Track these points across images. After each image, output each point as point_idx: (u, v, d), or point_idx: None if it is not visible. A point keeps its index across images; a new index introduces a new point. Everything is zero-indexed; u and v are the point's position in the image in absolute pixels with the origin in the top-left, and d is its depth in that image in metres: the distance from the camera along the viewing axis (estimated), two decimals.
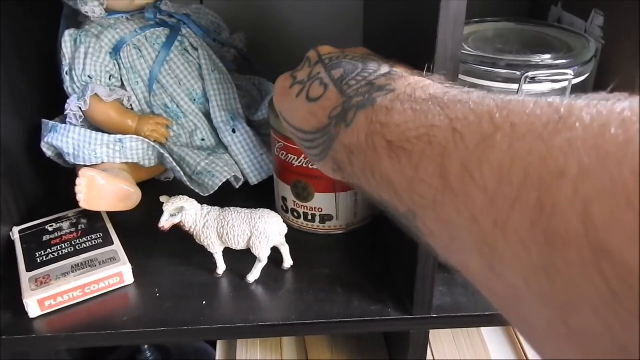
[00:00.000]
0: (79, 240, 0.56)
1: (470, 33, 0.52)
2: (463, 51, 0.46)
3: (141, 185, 0.62)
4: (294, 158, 0.55)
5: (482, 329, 0.70)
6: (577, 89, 0.47)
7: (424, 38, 0.42)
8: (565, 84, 0.45)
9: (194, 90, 0.67)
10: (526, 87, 0.44)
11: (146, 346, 0.81)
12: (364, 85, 0.33)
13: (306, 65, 0.40)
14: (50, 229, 0.58)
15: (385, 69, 0.34)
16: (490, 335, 0.69)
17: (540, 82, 0.44)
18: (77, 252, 0.54)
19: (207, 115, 0.67)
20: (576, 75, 0.45)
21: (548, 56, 0.46)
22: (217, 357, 0.68)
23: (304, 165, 0.55)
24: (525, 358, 0.66)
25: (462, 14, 0.39)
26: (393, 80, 0.32)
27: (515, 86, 0.44)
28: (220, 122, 0.66)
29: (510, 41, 0.51)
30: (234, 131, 0.66)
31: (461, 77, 0.45)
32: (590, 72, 0.47)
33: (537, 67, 0.44)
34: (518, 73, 0.44)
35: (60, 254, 0.54)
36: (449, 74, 0.41)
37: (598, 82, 0.50)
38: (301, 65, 0.42)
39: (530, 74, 0.43)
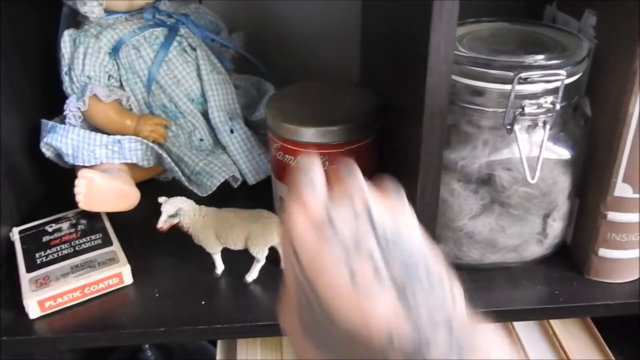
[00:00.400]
0: (79, 241, 0.56)
1: (466, 33, 0.52)
2: (456, 52, 0.46)
3: (140, 185, 0.62)
4: (292, 158, 0.55)
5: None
6: (570, 89, 0.47)
7: (417, 39, 0.42)
8: (558, 84, 0.45)
9: (192, 90, 0.67)
10: (519, 87, 0.44)
11: (147, 345, 0.81)
12: (442, 325, 0.26)
13: (347, 209, 0.29)
14: (50, 230, 0.59)
15: (451, 295, 0.27)
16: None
17: (533, 82, 0.44)
18: (76, 253, 0.55)
19: (206, 115, 0.68)
20: (569, 75, 0.45)
21: (541, 56, 0.46)
22: (217, 357, 0.68)
23: None
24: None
25: (455, 15, 0.39)
26: (481, 344, 0.27)
27: (508, 87, 0.44)
28: (218, 122, 0.67)
29: (505, 41, 0.51)
30: (232, 131, 0.67)
31: (455, 77, 0.45)
32: (582, 71, 0.48)
33: (530, 67, 0.45)
34: (511, 74, 0.44)
35: (60, 254, 0.55)
36: (442, 75, 0.41)
37: (591, 82, 0.50)
38: (338, 198, 0.30)
39: (523, 74, 0.43)
